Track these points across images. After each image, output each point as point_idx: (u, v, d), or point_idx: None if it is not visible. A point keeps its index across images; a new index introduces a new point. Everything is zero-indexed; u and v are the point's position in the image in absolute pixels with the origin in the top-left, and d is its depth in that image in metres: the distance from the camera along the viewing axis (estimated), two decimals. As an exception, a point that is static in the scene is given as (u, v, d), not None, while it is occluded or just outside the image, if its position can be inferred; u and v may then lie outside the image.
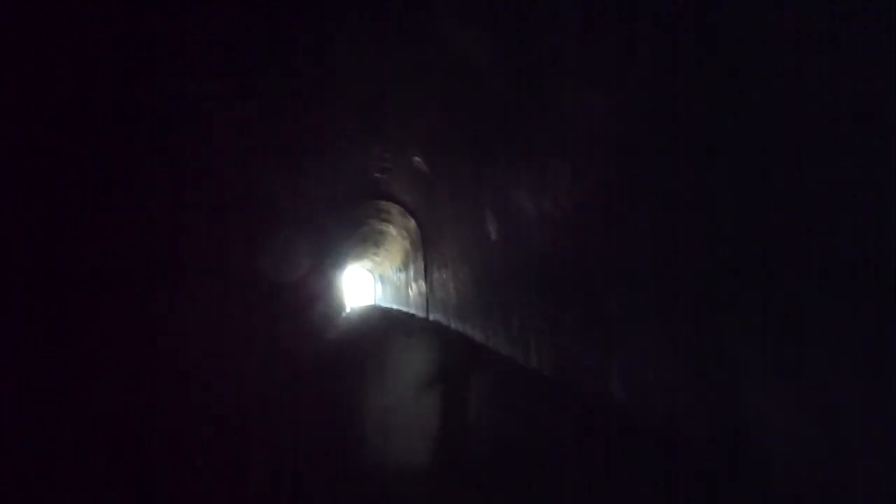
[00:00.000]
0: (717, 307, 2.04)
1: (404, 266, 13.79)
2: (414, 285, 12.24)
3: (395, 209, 11.61)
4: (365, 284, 25.71)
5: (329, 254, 10.53)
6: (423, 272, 10.59)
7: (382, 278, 20.31)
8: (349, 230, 12.89)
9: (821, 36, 1.36)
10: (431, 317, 9.97)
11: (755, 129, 1.68)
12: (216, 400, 2.89)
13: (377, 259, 18.84)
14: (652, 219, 2.54)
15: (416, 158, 7.64)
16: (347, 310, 15.72)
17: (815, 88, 1.41)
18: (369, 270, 22.41)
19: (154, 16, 2.31)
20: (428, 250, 10.09)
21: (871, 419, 1.36)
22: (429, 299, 10.19)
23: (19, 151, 1.57)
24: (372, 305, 20.74)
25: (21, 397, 1.52)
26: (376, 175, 9.18)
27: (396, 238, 13.93)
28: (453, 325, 7.98)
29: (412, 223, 11.19)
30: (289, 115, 5.17)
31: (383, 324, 11.11)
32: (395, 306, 16.30)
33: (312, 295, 8.23)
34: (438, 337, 7.70)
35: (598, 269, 3.12)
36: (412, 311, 12.65)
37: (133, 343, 2.11)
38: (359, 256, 18.45)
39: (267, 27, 3.54)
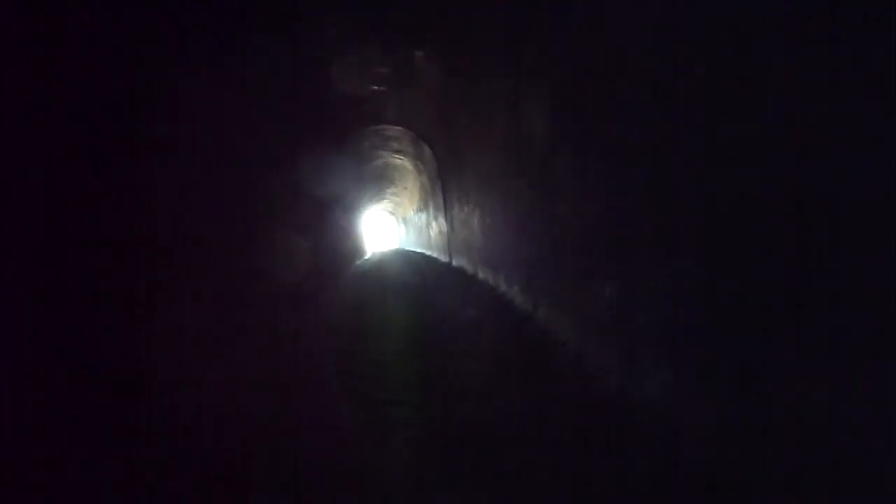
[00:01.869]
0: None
1: (424, 204, 12.02)
2: (434, 224, 10.52)
3: (406, 137, 9.69)
4: (388, 228, 24.22)
5: (330, 194, 8.85)
6: (442, 208, 8.81)
7: (406, 220, 18.70)
8: (356, 166, 11.11)
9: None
10: (454, 262, 8.28)
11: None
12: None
13: (397, 199, 17.15)
14: None
15: (419, 53, 5.67)
16: (366, 256, 14.27)
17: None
18: (391, 212, 20.80)
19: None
20: (446, 180, 8.25)
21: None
22: (450, 240, 8.47)
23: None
24: (394, 250, 19.35)
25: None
26: (374, 88, 7.26)
27: (413, 172, 12.11)
28: (481, 273, 6.26)
29: (426, 151, 9.29)
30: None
31: (395, 272, 9.47)
32: (418, 249, 14.72)
33: (304, 244, 6.63)
34: (458, 292, 6.00)
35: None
36: (434, 254, 11.01)
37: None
38: (377, 197, 16.80)
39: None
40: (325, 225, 8.82)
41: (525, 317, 4.07)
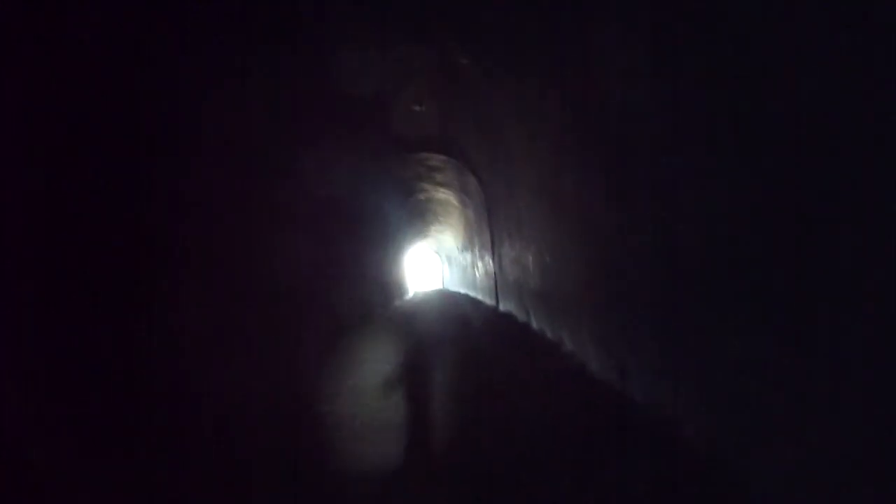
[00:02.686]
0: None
1: (469, 242, 11.06)
2: (480, 264, 9.48)
3: (449, 165, 8.84)
4: (433, 267, 23.37)
5: (362, 229, 8.04)
6: (489, 246, 7.78)
7: (449, 259, 17.79)
8: (396, 200, 10.36)
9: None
10: (502, 306, 7.15)
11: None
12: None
13: (441, 237, 16.31)
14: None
15: (463, 61, 4.81)
16: (405, 297, 13.34)
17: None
18: (436, 251, 19.98)
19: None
20: (494, 214, 7.24)
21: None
22: (497, 281, 7.38)
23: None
24: (438, 290, 18.36)
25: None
26: (415, 108, 6.48)
27: (458, 207, 11.23)
28: (535, 322, 5.11)
29: (472, 181, 8.38)
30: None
31: (433, 319, 8.40)
32: (462, 290, 13.66)
33: (326, 286, 5.75)
34: (503, 348, 4.83)
35: None
36: (479, 296, 9.91)
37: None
38: (420, 234, 16.04)
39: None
40: (362, 262, 7.99)
41: (605, 387, 2.89)
